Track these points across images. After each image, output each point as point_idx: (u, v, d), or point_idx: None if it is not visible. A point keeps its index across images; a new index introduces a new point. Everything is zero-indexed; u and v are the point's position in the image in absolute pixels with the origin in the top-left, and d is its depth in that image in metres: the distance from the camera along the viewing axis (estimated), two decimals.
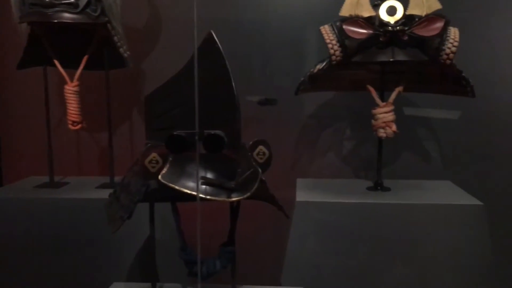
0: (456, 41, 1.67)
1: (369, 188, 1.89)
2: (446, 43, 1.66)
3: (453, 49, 1.66)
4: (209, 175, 1.17)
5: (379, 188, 1.87)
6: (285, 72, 2.20)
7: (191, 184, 1.15)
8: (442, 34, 1.66)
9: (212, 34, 1.20)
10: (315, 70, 1.78)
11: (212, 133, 1.10)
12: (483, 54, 2.11)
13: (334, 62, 1.72)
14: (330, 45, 1.71)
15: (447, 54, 1.67)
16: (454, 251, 1.67)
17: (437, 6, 1.69)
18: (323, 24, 1.76)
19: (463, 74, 1.74)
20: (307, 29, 2.15)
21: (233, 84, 1.16)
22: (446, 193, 1.84)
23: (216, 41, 1.19)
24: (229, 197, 1.16)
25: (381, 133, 1.77)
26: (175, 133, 1.10)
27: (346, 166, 2.20)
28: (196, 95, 0.95)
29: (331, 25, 1.75)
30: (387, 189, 1.87)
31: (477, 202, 1.69)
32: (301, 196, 1.79)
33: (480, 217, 1.65)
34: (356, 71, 1.91)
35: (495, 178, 2.12)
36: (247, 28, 2.19)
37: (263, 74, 2.24)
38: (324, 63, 1.76)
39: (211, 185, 1.16)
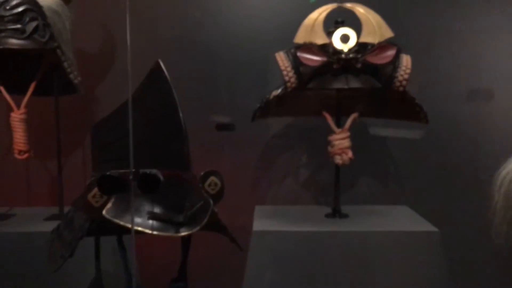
0: (408, 68, 1.70)
1: (327, 215, 1.87)
2: (399, 70, 1.69)
3: (406, 76, 1.69)
4: (157, 209, 1.12)
5: (337, 215, 1.86)
6: (245, 96, 2.18)
7: (137, 219, 1.10)
8: (395, 62, 1.69)
9: (159, 63, 1.17)
10: (271, 97, 1.77)
11: (148, 172, 1.05)
12: (437, 78, 2.15)
13: (289, 89, 1.71)
14: (285, 72, 1.71)
15: (400, 81, 1.69)
16: (410, 278, 1.67)
17: (389, 34, 1.71)
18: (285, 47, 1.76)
19: (417, 101, 1.76)
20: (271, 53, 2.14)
21: (180, 115, 1.12)
22: (402, 219, 1.85)
23: (163, 70, 1.16)
24: (178, 231, 1.12)
25: (338, 160, 1.76)
26: (107, 173, 1.05)
27: (305, 192, 2.18)
28: (130, 132, 0.91)
29: (286, 52, 1.75)
30: (345, 216, 1.86)
31: (432, 228, 1.69)
32: (258, 225, 1.75)
33: (435, 243, 1.66)
34: (312, 97, 1.91)
35: (451, 202, 2.14)
36: (209, 50, 2.17)
37: (223, 98, 2.21)
38: (280, 90, 1.75)
39: (158, 219, 1.11)
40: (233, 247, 1.37)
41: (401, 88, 1.69)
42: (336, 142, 1.75)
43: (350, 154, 1.76)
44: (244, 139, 2.17)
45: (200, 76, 2.17)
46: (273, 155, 2.19)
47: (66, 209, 1.84)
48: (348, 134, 1.76)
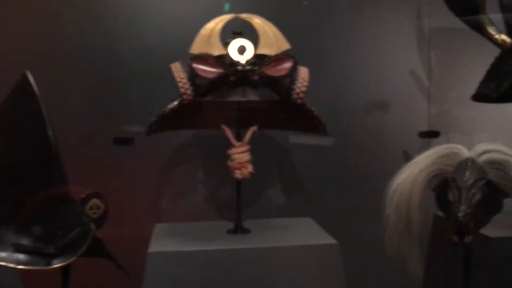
0: (305, 80, 1.69)
1: (229, 231, 1.81)
2: (296, 82, 1.68)
3: (303, 88, 1.68)
4: (24, 240, 1.00)
5: (239, 230, 1.81)
6: (145, 109, 2.06)
7: (1, 253, 0.97)
8: (292, 74, 1.68)
9: (26, 75, 1.05)
10: (167, 110, 1.68)
11: None
12: (335, 91, 2.19)
13: (185, 101, 1.64)
14: (180, 84, 1.63)
15: (297, 94, 1.68)
16: None
17: (286, 46, 1.70)
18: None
19: (315, 113, 1.76)
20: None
21: (50, 133, 1.01)
22: (303, 232, 1.83)
23: (31, 84, 1.04)
24: (49, 264, 1.00)
25: (238, 174, 1.72)
26: None
27: (207, 207, 2.11)
28: None
29: (182, 62, 1.67)
30: (247, 231, 1.81)
31: (331, 241, 1.69)
32: (155, 245, 1.65)
33: (334, 256, 1.65)
34: (210, 110, 1.85)
35: (352, 213, 2.18)
36: (113, 59, 2.04)
37: (124, 110, 2.08)
38: (176, 102, 1.67)
39: (25, 252, 0.99)
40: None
41: (299, 101, 1.69)
42: (236, 156, 1.71)
43: (250, 168, 1.72)
44: (144, 154, 2.06)
45: (98, 85, 2.03)
46: (174, 170, 2.10)
47: None
48: (247, 147, 1.72)
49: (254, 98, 1.65)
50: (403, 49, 2.24)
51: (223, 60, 1.64)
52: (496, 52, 1.92)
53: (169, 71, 1.68)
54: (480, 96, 1.97)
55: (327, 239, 1.72)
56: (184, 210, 2.09)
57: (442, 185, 1.32)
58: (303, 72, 1.71)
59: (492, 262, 1.68)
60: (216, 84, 1.64)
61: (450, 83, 2.28)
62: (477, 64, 1.98)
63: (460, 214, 1.16)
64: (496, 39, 1.82)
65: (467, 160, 1.27)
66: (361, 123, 2.21)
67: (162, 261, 1.59)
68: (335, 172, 2.19)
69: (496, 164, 1.26)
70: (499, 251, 1.68)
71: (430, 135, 2.24)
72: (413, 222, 1.33)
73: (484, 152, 1.30)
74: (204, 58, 1.63)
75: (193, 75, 1.62)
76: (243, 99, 1.64)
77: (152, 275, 1.58)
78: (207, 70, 1.62)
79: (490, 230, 1.43)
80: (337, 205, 2.17)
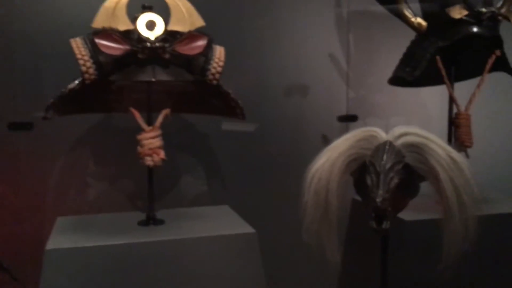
0: (221, 60, 1.59)
1: (140, 223, 1.68)
2: (211, 62, 1.58)
3: (219, 69, 1.58)
4: None
5: (151, 222, 1.68)
6: (46, 91, 1.85)
7: None
8: (207, 53, 1.57)
9: None
10: (66, 91, 1.51)
11: None
12: (254, 74, 2.11)
13: (87, 81, 1.47)
14: (81, 62, 1.47)
15: (213, 74, 1.58)
16: (229, 282, 1.57)
17: (200, 23, 1.58)
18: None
19: (232, 96, 1.66)
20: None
21: None
22: (220, 221, 1.74)
23: None
24: None
25: (148, 161, 1.58)
26: None
27: (117, 197, 1.95)
28: None
29: (84, 38, 1.50)
30: (160, 222, 1.69)
31: (249, 229, 1.62)
32: (54, 242, 1.48)
33: (252, 245, 1.58)
34: (117, 92, 1.69)
35: (270, 200, 2.12)
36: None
37: (17, 92, 1.86)
38: (77, 82, 1.50)
39: None
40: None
41: (214, 82, 1.58)
42: (146, 142, 1.57)
43: (162, 154, 1.59)
44: (44, 140, 1.85)
45: None
46: (79, 157, 1.91)
47: None
48: (159, 132, 1.60)
49: (165, 79, 1.52)
50: (322, 33, 2.21)
51: (130, 36, 1.49)
52: (412, 36, 1.94)
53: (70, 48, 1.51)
54: (396, 80, 1.98)
55: (245, 228, 1.64)
56: (91, 201, 1.91)
57: (360, 169, 1.27)
58: (219, 52, 1.61)
59: (408, 245, 1.70)
60: (122, 62, 1.49)
61: (368, 67, 2.28)
62: (394, 48, 1.99)
63: (378, 200, 1.12)
64: (412, 22, 1.83)
65: (384, 143, 1.24)
66: (280, 107, 2.15)
67: (61, 259, 1.42)
68: (254, 158, 2.11)
69: (413, 147, 1.24)
70: (415, 234, 1.70)
71: (349, 119, 2.23)
72: (331, 208, 1.27)
73: (402, 135, 1.27)
74: (108, 33, 1.48)
75: (96, 52, 1.46)
76: (153, 79, 1.51)
77: (50, 276, 1.41)
78: (111, 46, 1.46)
79: (405, 214, 1.41)
80: (256, 191, 2.10)
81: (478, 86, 1.88)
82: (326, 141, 1.54)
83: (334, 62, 2.24)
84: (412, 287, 1.65)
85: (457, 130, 1.87)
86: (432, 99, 2.29)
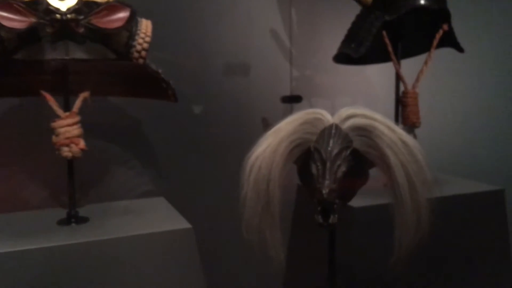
0: (148, 36, 1.40)
1: (60, 222, 1.48)
2: (137, 38, 1.38)
3: (145, 45, 1.39)
4: None
5: (73, 220, 1.48)
6: None
7: None
8: (131, 28, 1.37)
9: None
10: None
11: None
12: (190, 51, 1.92)
13: None
14: None
15: (138, 52, 1.38)
16: (167, 280, 1.41)
17: None
18: None
19: (162, 76, 1.48)
20: None
21: None
22: (154, 216, 1.57)
23: None
24: None
25: (66, 152, 1.38)
26: None
27: (33, 194, 1.72)
28: None
29: None
30: (84, 220, 1.49)
31: (185, 225, 1.45)
32: None
33: (188, 241, 1.43)
34: (25, 72, 1.46)
35: (210, 189, 1.96)
36: None
37: None
38: None
39: None
40: None
41: (140, 60, 1.39)
42: (62, 130, 1.36)
43: (81, 144, 1.39)
44: None
45: None
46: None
47: None
48: (77, 119, 1.39)
49: (80, 56, 1.31)
50: (263, 7, 2.05)
51: (36, 7, 1.26)
52: (358, 10, 1.83)
53: None
54: (342, 57, 1.87)
55: (181, 223, 1.47)
56: (2, 198, 1.68)
57: (304, 156, 1.14)
58: (145, 26, 1.41)
59: (356, 232, 1.61)
60: (28, 38, 1.27)
61: (312, 45, 2.16)
62: (340, 24, 1.87)
63: (325, 191, 0.99)
64: None
65: (330, 127, 1.11)
66: (220, 87, 1.98)
67: None
68: (192, 144, 1.94)
69: (361, 131, 1.12)
70: (363, 220, 1.61)
71: (293, 100, 2.10)
72: (273, 200, 1.14)
73: (348, 117, 1.15)
74: (9, 3, 1.24)
75: None
76: (66, 57, 1.30)
77: None
78: (13, 18, 1.23)
79: (353, 200, 1.30)
80: (194, 180, 1.93)
81: (426, 62, 1.79)
82: (267, 125, 1.40)
83: (276, 39, 2.09)
84: (362, 279, 1.57)
85: (404, 109, 1.79)
86: (378, 77, 2.20)
